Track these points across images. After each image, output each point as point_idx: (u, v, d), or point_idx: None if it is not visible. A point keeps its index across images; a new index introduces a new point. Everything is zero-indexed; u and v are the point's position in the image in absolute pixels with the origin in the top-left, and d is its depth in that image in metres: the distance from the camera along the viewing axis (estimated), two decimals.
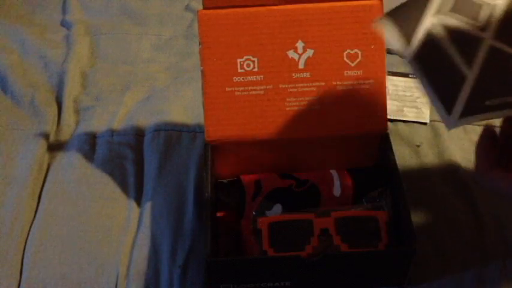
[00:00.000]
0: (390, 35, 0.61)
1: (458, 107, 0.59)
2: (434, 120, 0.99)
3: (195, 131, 0.97)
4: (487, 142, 0.64)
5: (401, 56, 1.09)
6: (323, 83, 0.80)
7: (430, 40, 0.60)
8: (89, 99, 1.04)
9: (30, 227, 0.86)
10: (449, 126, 0.59)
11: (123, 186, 0.90)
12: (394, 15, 0.61)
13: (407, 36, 0.61)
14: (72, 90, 1.04)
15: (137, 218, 0.87)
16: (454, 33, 0.61)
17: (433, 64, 0.60)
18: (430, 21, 0.61)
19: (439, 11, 0.61)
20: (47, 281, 0.80)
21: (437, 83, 0.60)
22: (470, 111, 0.58)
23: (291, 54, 0.79)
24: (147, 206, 0.87)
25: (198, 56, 0.79)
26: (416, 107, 1.00)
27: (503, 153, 0.64)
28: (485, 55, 0.60)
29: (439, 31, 0.61)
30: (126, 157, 0.94)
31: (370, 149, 0.84)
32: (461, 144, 0.95)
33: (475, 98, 0.59)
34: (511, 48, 0.60)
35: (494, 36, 0.60)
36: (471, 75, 0.59)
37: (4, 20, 1.18)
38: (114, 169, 0.92)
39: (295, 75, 0.80)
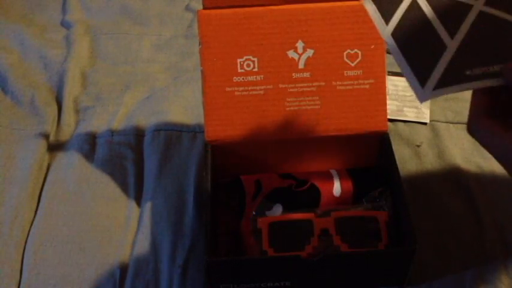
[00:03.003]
0: (371, 14, 0.60)
1: (434, 78, 0.56)
2: (434, 120, 0.99)
3: (195, 131, 0.97)
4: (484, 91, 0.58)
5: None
6: (323, 83, 0.80)
7: (411, 16, 0.59)
8: (89, 99, 1.04)
9: (30, 227, 0.86)
10: (421, 98, 0.55)
11: (123, 186, 0.90)
12: None
13: (387, 15, 0.60)
14: (72, 90, 1.04)
15: (137, 218, 0.87)
16: (439, 5, 0.59)
17: (413, 39, 0.58)
18: None
19: None
20: (47, 281, 0.80)
21: (414, 57, 0.57)
22: (446, 82, 0.55)
23: (291, 54, 0.79)
24: (147, 206, 0.87)
25: (198, 56, 0.79)
26: (416, 107, 1.00)
27: (500, 105, 0.58)
28: (471, 22, 0.57)
29: (422, 5, 0.59)
30: (126, 157, 0.94)
31: (370, 149, 0.84)
32: (461, 144, 0.95)
33: (454, 68, 0.56)
34: (503, 12, 0.58)
35: (486, 1, 0.58)
36: (452, 44, 0.57)
37: (4, 20, 1.18)
38: (114, 169, 0.92)
39: (295, 75, 0.80)
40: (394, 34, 0.59)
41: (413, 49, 0.58)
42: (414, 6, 0.59)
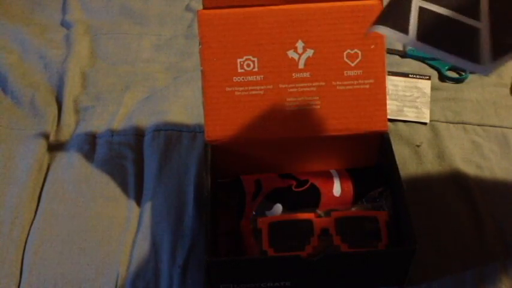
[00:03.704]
0: (389, 35, 0.61)
1: (485, 55, 0.57)
2: (434, 120, 0.99)
3: (195, 131, 0.97)
4: None
5: (401, 56, 1.09)
6: (323, 83, 0.80)
7: (427, 19, 0.59)
8: (89, 99, 1.04)
9: (30, 227, 0.86)
10: (487, 72, 0.57)
11: (123, 186, 0.90)
12: (384, 17, 0.61)
13: (403, 28, 0.60)
14: (72, 90, 1.04)
15: (137, 218, 0.87)
16: (447, 2, 0.60)
17: (441, 36, 0.59)
18: (419, 5, 0.60)
19: None
20: (47, 281, 0.80)
21: (453, 46, 0.58)
22: (499, 54, 0.57)
23: (291, 54, 0.79)
24: (147, 206, 0.87)
25: (198, 56, 0.79)
26: (416, 107, 1.00)
27: None
28: (488, 2, 0.59)
29: (432, 8, 0.60)
30: (126, 157, 0.94)
31: (370, 149, 0.84)
32: (461, 144, 0.95)
33: (499, 41, 0.57)
34: None
35: None
36: (484, 25, 0.58)
37: (4, 20, 1.18)
38: (114, 169, 0.92)
39: (295, 75, 0.80)
40: (419, 38, 0.59)
41: (447, 42, 0.59)
42: (423, 12, 0.60)
